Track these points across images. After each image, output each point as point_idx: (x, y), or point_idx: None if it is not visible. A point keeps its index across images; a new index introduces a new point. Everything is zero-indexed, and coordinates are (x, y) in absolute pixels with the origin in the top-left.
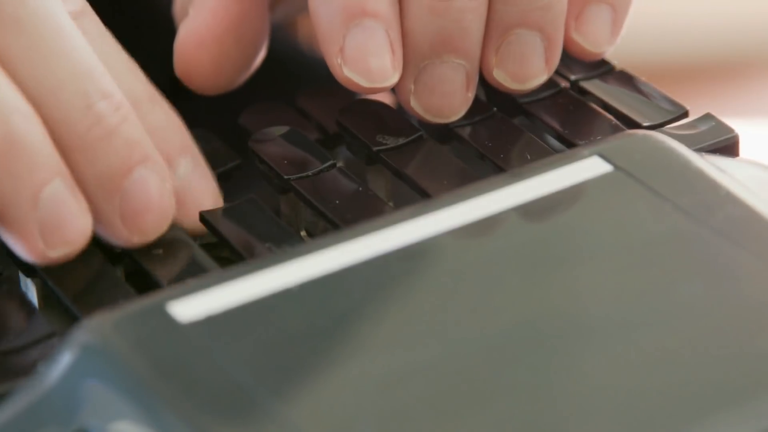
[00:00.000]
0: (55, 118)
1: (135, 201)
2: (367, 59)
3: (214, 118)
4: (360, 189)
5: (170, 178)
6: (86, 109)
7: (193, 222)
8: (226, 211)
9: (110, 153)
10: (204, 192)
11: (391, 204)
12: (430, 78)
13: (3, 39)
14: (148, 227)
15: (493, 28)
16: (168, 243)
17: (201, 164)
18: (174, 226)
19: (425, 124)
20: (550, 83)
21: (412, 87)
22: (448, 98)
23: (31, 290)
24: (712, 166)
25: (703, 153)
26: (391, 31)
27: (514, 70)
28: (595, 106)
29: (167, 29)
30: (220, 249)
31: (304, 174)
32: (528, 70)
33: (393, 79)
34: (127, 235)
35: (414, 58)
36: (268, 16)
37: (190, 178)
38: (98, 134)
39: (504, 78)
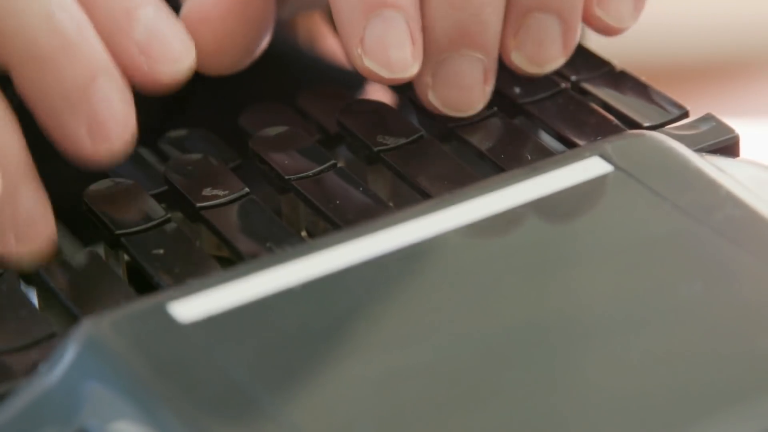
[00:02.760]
0: (15, 28)
1: (99, 110)
2: (387, 50)
3: (214, 118)
4: (360, 189)
5: (128, 89)
6: (45, 19)
7: (165, 70)
8: (226, 211)
9: (72, 63)
10: (171, 37)
11: (391, 204)
12: (448, 72)
13: None
14: (114, 136)
15: (511, 12)
16: (169, 243)
17: (163, 11)
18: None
19: (425, 124)
20: (550, 83)
21: (430, 81)
22: (466, 92)
23: (31, 290)
24: (713, 166)
25: (704, 153)
26: (412, 22)
27: (532, 53)
28: (595, 106)
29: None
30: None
31: (304, 174)
32: (546, 53)
33: (413, 70)
34: (92, 147)
35: (432, 51)
36: (274, 2)
37: (155, 22)
38: (58, 43)
39: (522, 61)
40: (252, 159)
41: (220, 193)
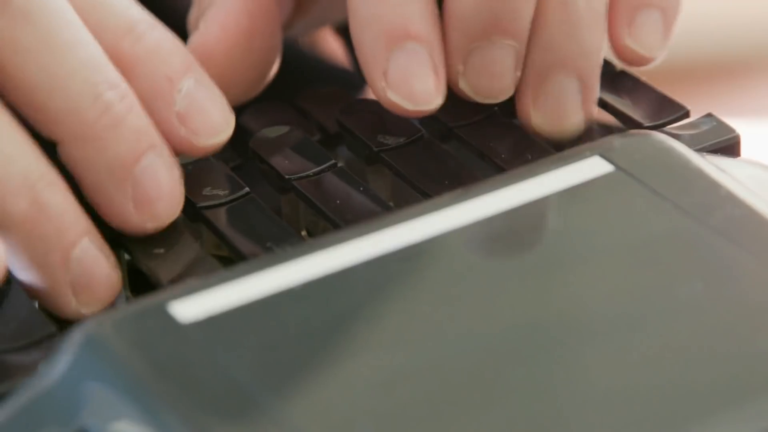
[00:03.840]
0: (65, 108)
1: (146, 187)
2: (411, 82)
3: None
4: (360, 189)
5: (177, 165)
6: (95, 98)
7: (204, 140)
8: (226, 211)
9: (119, 141)
10: (211, 107)
11: (391, 204)
12: (481, 60)
13: (13, 32)
14: (161, 213)
15: (529, 74)
16: (169, 243)
17: (205, 80)
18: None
19: (425, 124)
20: None
21: (461, 68)
22: (498, 79)
23: None
24: (713, 166)
25: (705, 153)
26: (435, 54)
27: (553, 115)
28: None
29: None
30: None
31: (304, 174)
32: (566, 115)
33: (437, 102)
34: (140, 222)
35: (463, 40)
36: (280, 34)
37: (195, 94)
38: (107, 123)
39: (543, 122)
40: (252, 159)
41: (220, 193)
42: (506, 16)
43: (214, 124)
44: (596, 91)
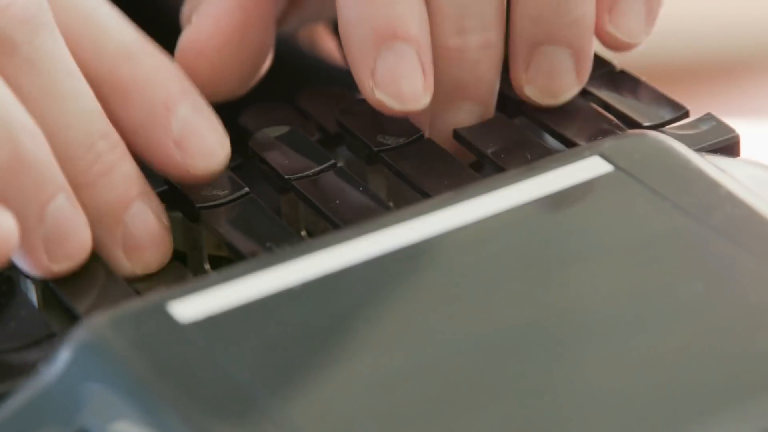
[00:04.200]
0: (61, 156)
1: (136, 234)
2: (398, 82)
3: None
4: (360, 189)
5: (165, 213)
6: (89, 148)
7: (200, 165)
8: (226, 210)
9: (110, 188)
10: (206, 132)
11: (391, 204)
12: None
13: (18, 78)
14: (150, 260)
15: (520, 46)
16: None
17: (201, 105)
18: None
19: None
20: None
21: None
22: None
23: (31, 290)
24: (713, 166)
25: (704, 153)
26: (423, 54)
27: (544, 86)
28: (595, 106)
29: (174, 35)
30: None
31: (304, 174)
32: (559, 84)
33: (424, 102)
34: (130, 268)
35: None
36: (273, 29)
37: (191, 119)
38: (99, 170)
39: (535, 94)
40: (252, 159)
41: (220, 192)
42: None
43: (210, 149)
44: (590, 58)
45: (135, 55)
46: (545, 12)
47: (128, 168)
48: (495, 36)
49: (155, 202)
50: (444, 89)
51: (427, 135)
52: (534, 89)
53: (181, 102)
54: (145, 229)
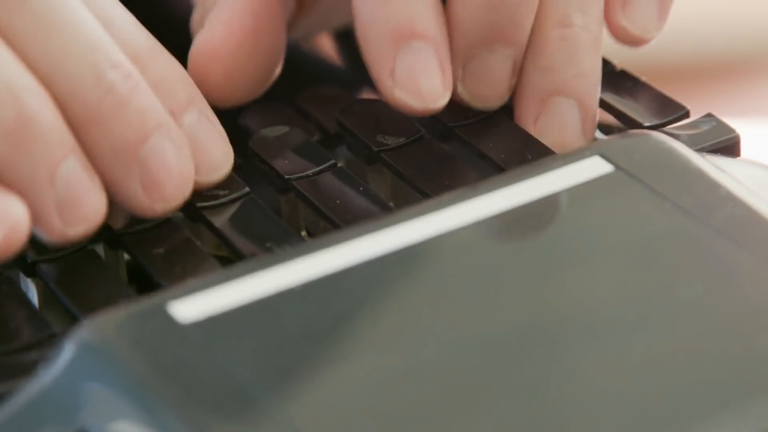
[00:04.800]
0: (66, 91)
1: (154, 169)
2: (418, 81)
3: None
4: (360, 189)
5: (186, 143)
6: (97, 80)
7: (203, 175)
8: (226, 210)
9: (124, 123)
10: (211, 142)
11: (391, 204)
12: (480, 67)
13: (9, 17)
14: (170, 194)
15: (529, 97)
16: (169, 243)
17: (208, 115)
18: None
19: (425, 124)
20: None
21: (460, 73)
22: (495, 87)
23: (31, 290)
24: (713, 166)
25: (704, 153)
26: (441, 52)
27: (554, 140)
28: None
29: (185, 41)
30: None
31: (304, 174)
32: (567, 138)
33: (444, 100)
34: (149, 204)
35: (464, 46)
36: (284, 34)
37: (197, 129)
38: (110, 104)
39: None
40: (252, 159)
41: (220, 192)
42: (507, 25)
43: (214, 160)
44: (595, 112)
45: (144, 60)
46: (556, 62)
47: (143, 99)
48: None
49: (174, 131)
50: (479, 32)
51: (459, 82)
52: (544, 139)
53: (188, 109)
54: (164, 164)
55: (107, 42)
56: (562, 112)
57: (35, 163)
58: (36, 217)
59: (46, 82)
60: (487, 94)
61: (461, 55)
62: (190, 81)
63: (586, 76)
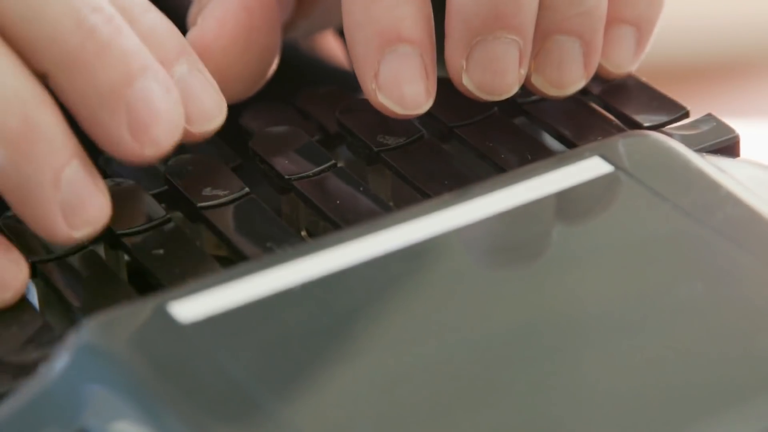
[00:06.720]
0: (47, 36)
1: (141, 112)
2: (401, 86)
3: None
4: (361, 189)
5: (174, 87)
6: (77, 24)
7: (196, 125)
8: (226, 210)
9: (108, 66)
10: (204, 93)
11: (391, 204)
12: (484, 55)
13: None
14: (159, 137)
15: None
16: (168, 243)
17: (198, 65)
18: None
19: (425, 124)
20: None
21: (464, 64)
22: (501, 76)
23: (31, 290)
24: (713, 166)
25: (704, 153)
26: (426, 57)
27: (552, 77)
28: (595, 106)
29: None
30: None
31: (304, 174)
32: (567, 76)
33: (426, 106)
34: (139, 149)
35: (466, 34)
36: (279, 33)
37: (188, 80)
38: (92, 48)
39: (542, 84)
40: (252, 159)
41: (220, 192)
42: (509, 10)
43: (207, 110)
44: (598, 51)
45: (133, 13)
46: (557, 1)
47: (127, 42)
48: None
49: (161, 74)
50: (480, 17)
51: (463, 72)
52: (541, 79)
53: (178, 61)
54: (151, 107)
55: None
56: (561, 49)
57: (40, 168)
58: (42, 221)
59: (27, 29)
60: (493, 84)
61: (464, 44)
62: (179, 33)
63: (589, 14)
